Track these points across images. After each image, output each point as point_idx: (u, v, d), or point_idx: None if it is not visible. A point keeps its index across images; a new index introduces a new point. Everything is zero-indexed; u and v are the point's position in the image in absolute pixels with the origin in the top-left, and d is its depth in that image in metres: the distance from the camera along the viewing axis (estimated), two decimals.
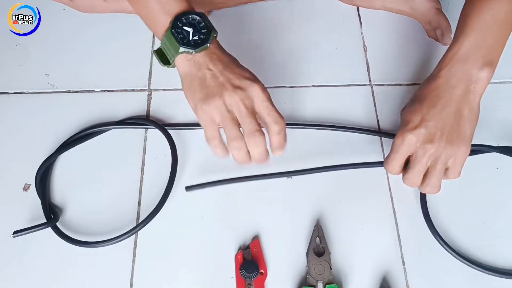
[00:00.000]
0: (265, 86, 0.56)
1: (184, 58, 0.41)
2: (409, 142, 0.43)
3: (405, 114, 0.45)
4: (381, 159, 0.52)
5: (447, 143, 0.42)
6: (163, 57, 0.43)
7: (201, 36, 0.41)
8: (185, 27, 0.40)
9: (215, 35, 0.42)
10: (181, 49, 0.40)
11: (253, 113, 0.41)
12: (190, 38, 0.40)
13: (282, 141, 0.43)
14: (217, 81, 0.41)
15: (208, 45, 0.41)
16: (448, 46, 0.46)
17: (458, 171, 0.43)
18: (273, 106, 0.42)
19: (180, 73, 0.42)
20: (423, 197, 0.48)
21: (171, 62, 0.42)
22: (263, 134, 0.41)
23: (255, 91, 0.41)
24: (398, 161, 0.44)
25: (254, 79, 0.42)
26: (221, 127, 0.42)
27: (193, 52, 0.40)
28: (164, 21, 0.41)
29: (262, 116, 0.42)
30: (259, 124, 0.41)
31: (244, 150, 0.42)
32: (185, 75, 0.42)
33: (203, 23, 0.41)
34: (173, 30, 0.40)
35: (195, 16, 0.41)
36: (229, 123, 0.41)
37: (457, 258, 0.46)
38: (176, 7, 0.41)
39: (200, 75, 0.41)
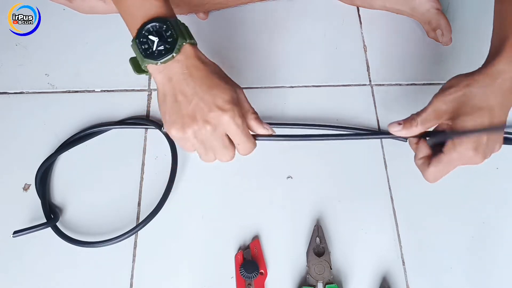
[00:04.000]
0: (265, 86, 0.57)
1: (156, 70, 0.39)
2: (467, 158, 0.40)
3: (469, 127, 0.39)
4: (381, 155, 0.52)
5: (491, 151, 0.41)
6: (137, 65, 0.40)
7: (166, 46, 0.38)
8: (150, 36, 0.38)
9: (186, 44, 0.38)
10: (145, 60, 0.38)
11: (223, 139, 0.40)
12: (154, 49, 0.38)
13: (248, 154, 0.42)
14: (188, 108, 0.38)
15: (174, 55, 0.38)
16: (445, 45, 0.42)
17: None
18: (242, 134, 0.40)
19: (156, 83, 0.40)
20: None
21: (146, 72, 0.40)
22: (232, 149, 0.41)
23: (225, 124, 0.38)
24: (447, 172, 0.41)
25: (226, 106, 0.38)
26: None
27: (158, 63, 0.38)
28: (133, 28, 0.39)
29: (234, 142, 0.41)
30: (229, 143, 0.40)
31: (214, 160, 0.42)
32: (159, 88, 0.40)
33: (170, 31, 0.38)
34: (137, 40, 0.38)
35: (161, 24, 0.38)
36: (199, 149, 0.40)
37: None
38: (148, 12, 0.38)
39: (173, 94, 0.39)
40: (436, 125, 0.42)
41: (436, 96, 0.42)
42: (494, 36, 0.42)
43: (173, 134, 0.40)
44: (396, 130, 0.42)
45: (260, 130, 0.42)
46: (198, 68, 0.39)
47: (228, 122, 0.38)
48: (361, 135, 0.51)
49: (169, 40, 0.38)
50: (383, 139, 0.54)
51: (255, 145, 0.42)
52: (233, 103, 0.39)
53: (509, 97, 0.39)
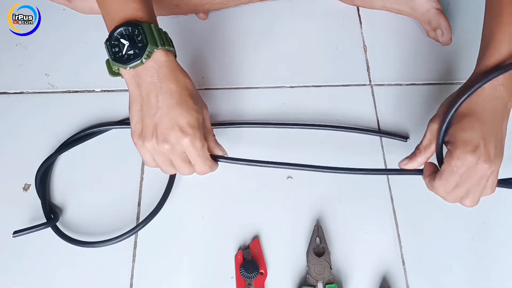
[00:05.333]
0: (265, 86, 0.56)
1: (128, 74, 0.38)
2: (469, 164, 0.39)
3: (459, 133, 0.40)
4: (381, 155, 0.52)
5: (497, 160, 0.40)
6: (111, 67, 0.40)
7: (136, 51, 0.37)
8: (122, 40, 0.38)
9: (158, 50, 0.38)
10: (114, 63, 0.38)
11: (181, 156, 0.40)
12: (124, 52, 0.38)
13: (207, 173, 0.43)
14: (151, 120, 0.38)
15: (143, 60, 0.37)
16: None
17: (493, 186, 0.42)
18: (200, 156, 0.40)
19: (128, 87, 0.40)
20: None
21: (119, 74, 0.40)
22: (191, 166, 0.41)
23: (183, 146, 0.39)
24: (453, 183, 0.40)
25: (187, 130, 0.38)
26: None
27: (127, 68, 0.38)
28: (108, 30, 0.39)
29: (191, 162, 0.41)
30: (188, 159, 0.41)
31: (175, 172, 0.42)
32: (130, 92, 0.39)
33: (141, 36, 0.37)
34: (107, 43, 0.38)
35: (133, 28, 0.38)
36: (159, 160, 0.40)
37: None
38: (124, 15, 0.38)
39: (139, 102, 0.39)
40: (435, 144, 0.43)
41: (429, 120, 0.44)
42: (480, 50, 0.44)
43: (134, 141, 0.40)
44: (404, 164, 0.44)
45: (216, 151, 0.44)
46: (169, 79, 0.38)
47: (187, 145, 0.39)
48: (356, 170, 0.45)
49: (139, 45, 0.37)
50: (382, 138, 0.54)
51: (211, 166, 0.42)
52: (195, 127, 0.39)
53: (493, 102, 0.40)
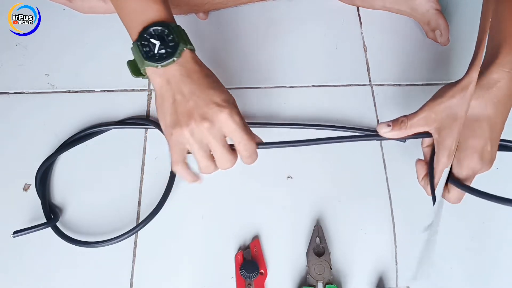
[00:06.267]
0: (265, 86, 0.57)
1: (155, 73, 0.39)
2: (476, 171, 0.41)
3: (469, 140, 0.40)
4: (380, 156, 0.52)
5: (494, 158, 0.41)
6: (135, 68, 0.40)
7: (168, 50, 0.38)
8: (152, 40, 0.39)
9: (186, 48, 0.39)
10: (146, 63, 0.39)
11: (222, 140, 0.39)
12: (156, 52, 0.38)
13: (252, 161, 0.41)
14: (185, 107, 0.38)
15: (175, 59, 0.38)
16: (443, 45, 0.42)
17: None
18: (242, 131, 0.39)
19: (154, 87, 0.40)
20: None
21: (143, 75, 0.40)
22: (233, 153, 0.40)
23: (222, 121, 0.38)
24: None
25: (223, 104, 0.38)
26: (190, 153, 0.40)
27: (159, 67, 0.38)
28: (134, 30, 0.39)
29: (233, 142, 0.40)
30: (228, 146, 0.40)
31: (214, 170, 0.41)
32: (158, 92, 0.40)
33: (172, 36, 0.39)
34: (138, 43, 0.39)
35: (163, 28, 0.39)
36: (198, 153, 0.39)
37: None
38: (149, 16, 0.39)
39: (171, 96, 0.39)
40: (423, 130, 0.43)
41: (428, 103, 0.42)
42: (489, 43, 0.42)
43: (169, 133, 0.39)
44: (385, 132, 0.43)
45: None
46: (196, 71, 0.39)
47: (226, 119, 0.38)
48: (358, 137, 0.49)
49: (170, 44, 0.39)
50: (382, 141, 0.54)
51: (255, 150, 0.40)
52: (231, 102, 0.39)
53: (506, 104, 0.40)
